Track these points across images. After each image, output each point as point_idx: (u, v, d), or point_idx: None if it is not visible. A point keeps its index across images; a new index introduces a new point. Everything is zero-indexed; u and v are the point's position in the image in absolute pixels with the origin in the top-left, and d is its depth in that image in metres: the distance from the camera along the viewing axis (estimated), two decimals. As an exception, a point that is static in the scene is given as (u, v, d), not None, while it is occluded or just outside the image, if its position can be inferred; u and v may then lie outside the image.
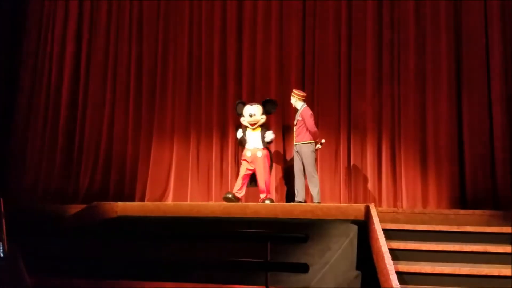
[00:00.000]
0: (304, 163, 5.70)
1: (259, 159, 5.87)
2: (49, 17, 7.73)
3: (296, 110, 5.97)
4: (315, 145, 5.78)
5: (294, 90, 6.03)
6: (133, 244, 4.41)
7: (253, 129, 6.00)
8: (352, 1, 6.65)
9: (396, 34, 6.44)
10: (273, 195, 6.36)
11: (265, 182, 5.89)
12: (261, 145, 5.94)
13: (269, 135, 5.99)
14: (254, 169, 5.92)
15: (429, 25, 6.30)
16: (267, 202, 5.77)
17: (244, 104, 6.14)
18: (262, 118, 6.00)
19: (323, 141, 5.91)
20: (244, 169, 5.98)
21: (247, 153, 5.95)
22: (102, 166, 7.16)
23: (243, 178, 5.97)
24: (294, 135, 5.84)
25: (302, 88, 6.53)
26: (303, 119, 5.74)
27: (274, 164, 6.61)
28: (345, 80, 6.57)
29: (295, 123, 5.87)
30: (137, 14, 7.41)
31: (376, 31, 6.50)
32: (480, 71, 6.08)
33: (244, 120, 6.07)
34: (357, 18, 6.59)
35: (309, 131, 5.72)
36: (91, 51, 7.49)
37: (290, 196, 6.34)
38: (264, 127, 6.05)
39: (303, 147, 5.72)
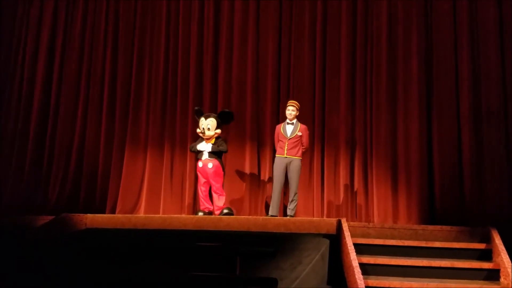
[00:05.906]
0: (292, 177, 5.69)
1: (209, 170, 5.72)
2: (21, 25, 7.55)
3: (287, 121, 5.82)
4: None
5: (293, 101, 5.92)
6: (101, 257, 4.31)
7: (206, 140, 5.84)
8: (327, 19, 6.75)
9: (369, 53, 6.58)
10: (245, 208, 6.30)
11: (217, 194, 5.73)
12: (212, 156, 5.75)
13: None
14: (207, 180, 5.78)
15: (400, 45, 6.47)
16: (225, 211, 5.58)
17: (202, 113, 5.96)
18: (215, 132, 5.82)
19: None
20: (200, 182, 5.86)
21: (199, 164, 5.83)
22: (73, 177, 6.97)
23: (202, 192, 5.83)
24: (286, 148, 5.73)
25: (277, 103, 6.58)
26: (302, 135, 5.76)
27: (248, 178, 6.61)
28: (319, 96, 6.64)
29: (289, 136, 5.77)
30: (112, 24, 7.31)
31: (350, 49, 6.63)
32: (450, 91, 6.27)
33: (199, 130, 5.89)
34: (332, 36, 6.70)
35: (304, 147, 5.79)
36: (64, 61, 7.34)
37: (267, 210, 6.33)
38: (220, 138, 5.86)
39: (295, 161, 5.70)
